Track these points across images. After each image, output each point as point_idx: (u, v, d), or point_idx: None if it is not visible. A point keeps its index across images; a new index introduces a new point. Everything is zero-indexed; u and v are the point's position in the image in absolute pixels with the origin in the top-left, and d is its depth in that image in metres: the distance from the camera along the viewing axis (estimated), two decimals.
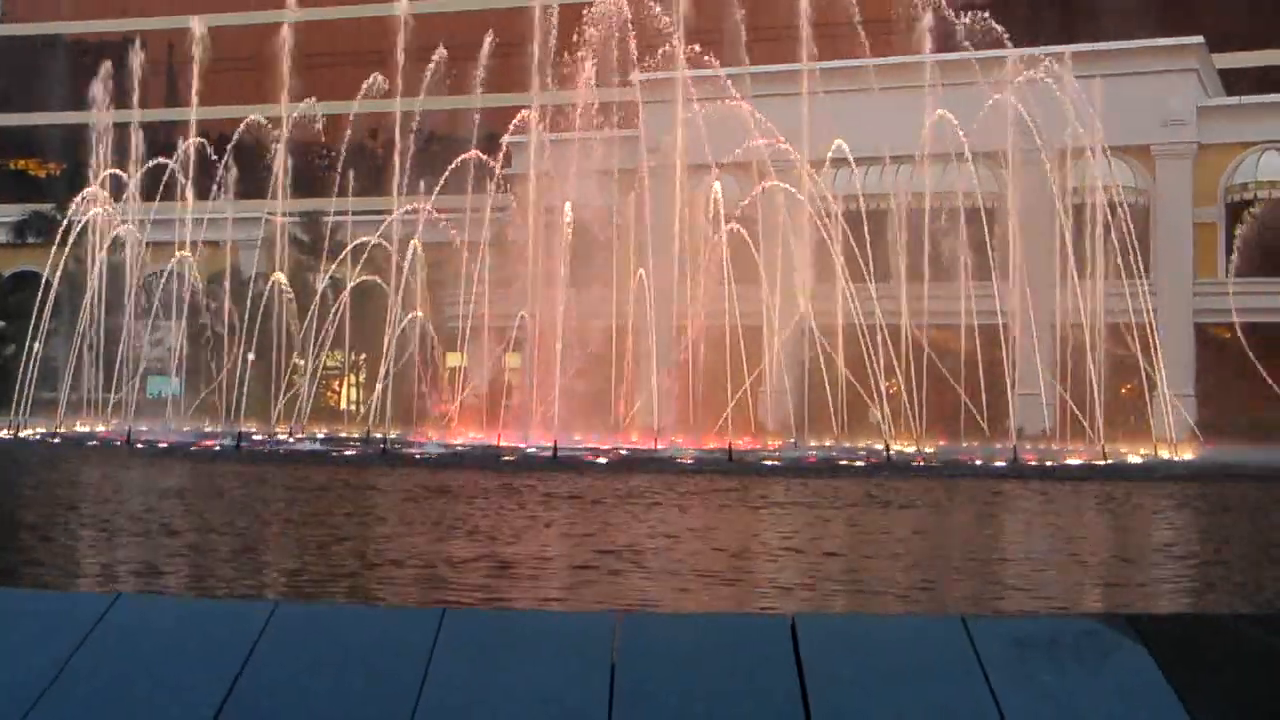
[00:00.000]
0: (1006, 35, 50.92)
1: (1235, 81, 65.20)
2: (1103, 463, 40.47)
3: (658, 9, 49.45)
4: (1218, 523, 24.57)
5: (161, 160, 53.72)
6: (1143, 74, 56.71)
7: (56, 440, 46.60)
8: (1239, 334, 52.75)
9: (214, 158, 53.94)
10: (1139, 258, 49.46)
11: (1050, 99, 48.51)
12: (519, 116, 51.50)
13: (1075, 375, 48.22)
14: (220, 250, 59.16)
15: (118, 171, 56.17)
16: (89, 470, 33.31)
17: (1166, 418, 48.39)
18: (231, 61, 66.81)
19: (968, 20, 51.48)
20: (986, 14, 52.10)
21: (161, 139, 59.15)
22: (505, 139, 53.85)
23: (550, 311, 47.09)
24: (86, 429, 51.84)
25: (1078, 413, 46.78)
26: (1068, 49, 51.25)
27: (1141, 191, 57.91)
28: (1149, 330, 49.08)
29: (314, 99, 54.07)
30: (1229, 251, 59.31)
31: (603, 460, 38.10)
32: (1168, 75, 58.30)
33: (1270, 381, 49.84)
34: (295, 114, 53.89)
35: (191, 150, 53.86)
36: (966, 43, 50.91)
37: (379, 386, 49.35)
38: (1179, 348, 54.96)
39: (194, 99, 55.11)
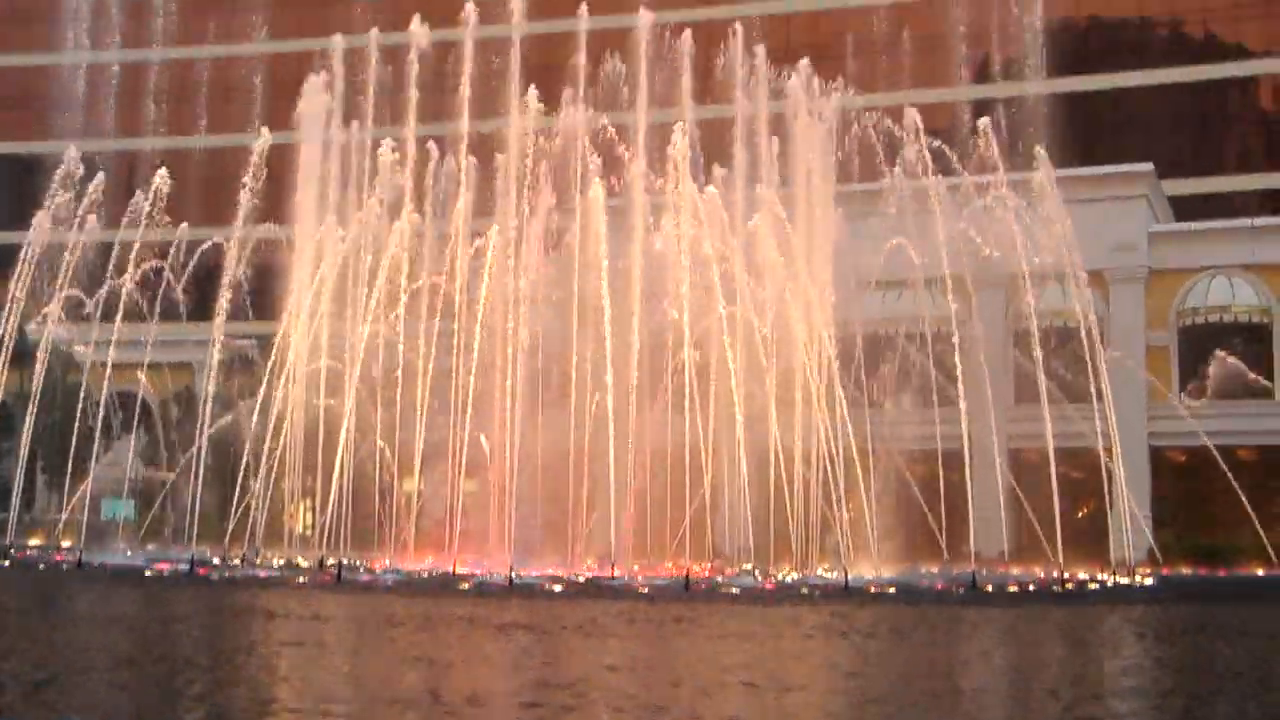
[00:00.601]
0: (957, 162, 51.58)
1: (1184, 207, 66.34)
2: (1059, 589, 40.31)
3: (615, 135, 49.89)
4: (1176, 651, 24.40)
5: (117, 281, 53.44)
6: (1095, 201, 57.54)
7: (5, 564, 45.83)
8: (1195, 457, 52.99)
9: (169, 279, 53.64)
10: (1094, 381, 49.74)
11: (1003, 225, 49.01)
12: (479, 241, 51.56)
13: (1032, 498, 48.17)
14: (176, 371, 58.79)
15: (75, 292, 55.84)
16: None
17: (1126, 540, 48.34)
18: (192, 182, 66.93)
19: (919, 148, 52.08)
20: (938, 142, 52.82)
21: (119, 258, 58.86)
22: (461, 262, 53.84)
23: (507, 436, 46.84)
24: (36, 551, 51.03)
25: (1037, 534, 46.69)
26: (1019, 175, 51.90)
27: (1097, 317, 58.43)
28: (1105, 454, 49.20)
29: (272, 223, 54.05)
30: (1182, 375, 59.85)
31: (559, 588, 37.71)
32: (1119, 202, 59.23)
33: (1245, 504, 49.98)
34: (254, 238, 53.81)
35: (170, 269, 53.45)
36: (919, 169, 51.48)
37: (331, 511, 48.80)
38: (1135, 471, 55.09)
39: (141, 221, 54.95)
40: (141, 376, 53.28)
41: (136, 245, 53.49)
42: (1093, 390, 48.49)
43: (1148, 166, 60.15)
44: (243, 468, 49.65)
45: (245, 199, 51.41)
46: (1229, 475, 47.61)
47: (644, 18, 49.78)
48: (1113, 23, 75.31)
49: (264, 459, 49.49)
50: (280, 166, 52.41)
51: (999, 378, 49.88)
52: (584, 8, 51.00)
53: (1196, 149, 74.12)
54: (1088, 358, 48.99)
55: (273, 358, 50.21)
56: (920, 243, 48.35)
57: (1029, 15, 64.12)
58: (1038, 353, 47.27)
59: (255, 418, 49.46)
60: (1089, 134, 69.33)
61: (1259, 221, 62.75)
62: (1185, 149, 73.13)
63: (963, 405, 47.00)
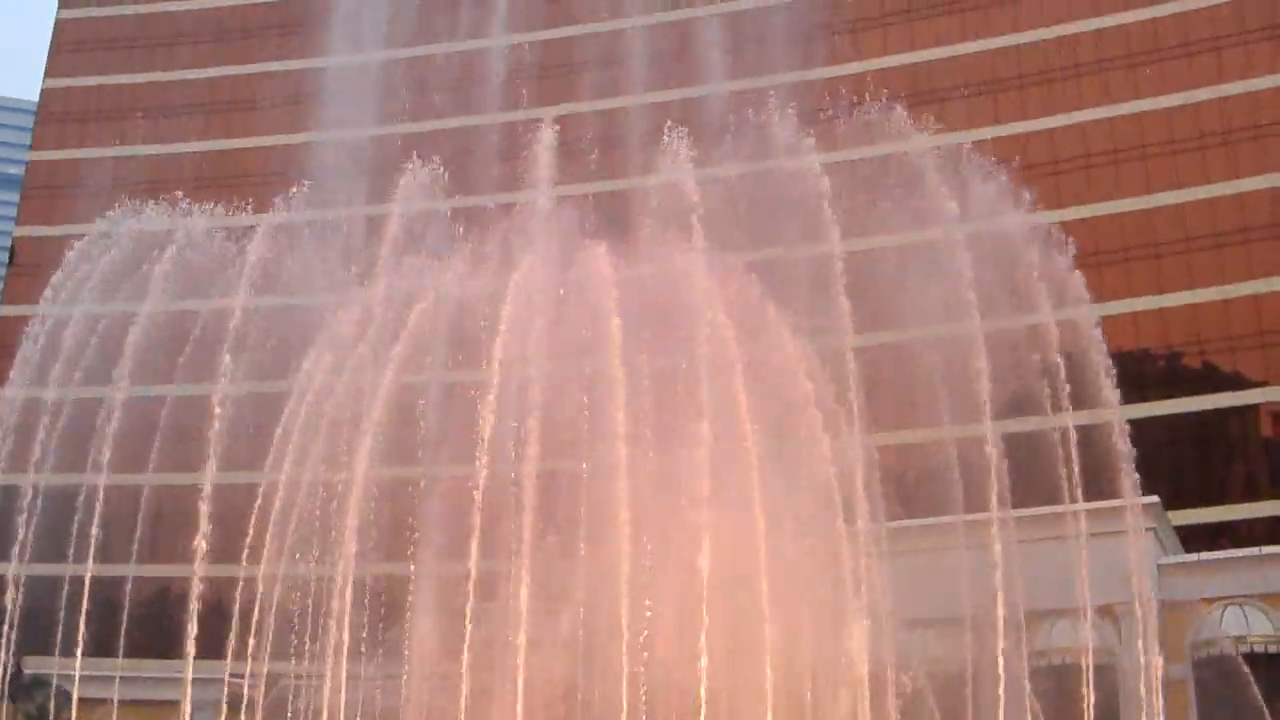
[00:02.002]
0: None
1: (1191, 537, 66.30)
2: None
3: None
4: None
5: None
6: (1102, 534, 57.45)
7: None
8: None
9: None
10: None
11: (1013, 564, 48.85)
12: None
13: None
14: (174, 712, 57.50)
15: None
16: None
17: None
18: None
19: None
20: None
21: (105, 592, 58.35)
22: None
23: None
24: None
25: None
26: (1025, 512, 51.96)
27: (1109, 651, 57.68)
28: None
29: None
30: (1201, 709, 58.71)
31: None
32: (1127, 534, 59.14)
33: None
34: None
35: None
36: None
37: None
38: None
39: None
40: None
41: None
42: None
43: (1154, 499, 60.31)
44: None
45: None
46: None
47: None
48: (1112, 355, 76.76)
49: None
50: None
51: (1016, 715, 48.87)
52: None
53: (1201, 479, 74.61)
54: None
55: None
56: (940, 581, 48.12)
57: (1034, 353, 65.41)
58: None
59: None
60: (1091, 467, 69.73)
61: (1268, 550, 62.63)
62: (1189, 479, 73.59)
63: None
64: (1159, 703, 57.26)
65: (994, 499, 48.65)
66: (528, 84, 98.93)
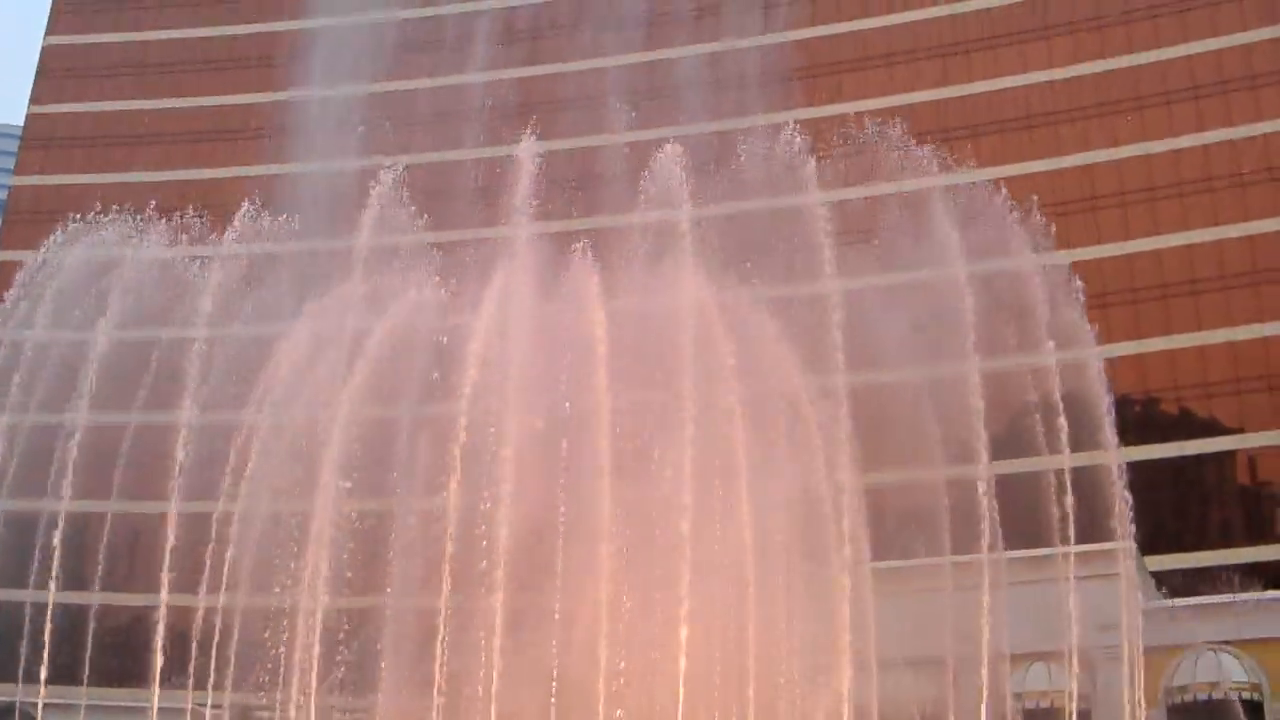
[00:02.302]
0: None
1: (1166, 583, 66.24)
2: None
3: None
4: None
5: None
6: (1076, 579, 57.31)
7: None
8: None
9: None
10: None
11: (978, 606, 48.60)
12: None
13: None
14: None
15: None
16: None
17: None
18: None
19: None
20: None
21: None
22: None
23: None
24: None
25: None
26: (1003, 555, 51.77)
27: (1084, 697, 57.45)
28: None
29: None
30: None
31: None
32: (1101, 580, 59.00)
33: None
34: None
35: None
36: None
37: None
38: None
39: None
40: None
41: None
42: None
43: (1130, 544, 60.20)
44: None
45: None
46: None
47: None
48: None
49: None
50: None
51: None
52: None
53: (1177, 524, 74.65)
54: None
55: None
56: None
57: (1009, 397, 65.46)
58: None
59: None
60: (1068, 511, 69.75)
61: (1243, 597, 62.59)
62: (1165, 525, 73.59)
63: None
64: None
65: (984, 540, 48.58)
66: (506, 121, 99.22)
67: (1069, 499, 50.32)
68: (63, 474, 49.68)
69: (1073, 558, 54.55)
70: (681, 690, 41.10)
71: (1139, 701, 54.49)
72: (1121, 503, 51.13)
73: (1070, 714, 49.27)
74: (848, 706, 44.56)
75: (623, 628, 41.84)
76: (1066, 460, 50.45)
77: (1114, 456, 51.58)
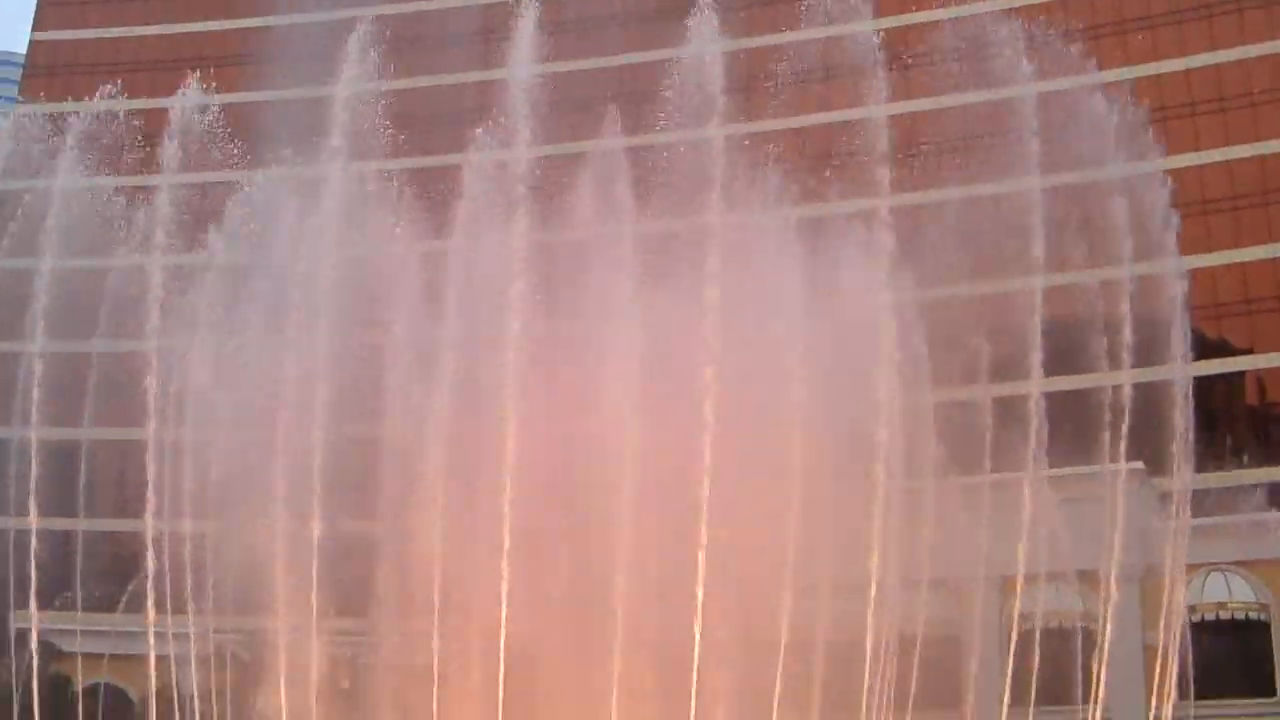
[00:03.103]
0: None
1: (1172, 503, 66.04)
2: None
3: None
4: None
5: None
6: (1085, 500, 57.38)
7: None
8: None
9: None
10: (1096, 683, 48.95)
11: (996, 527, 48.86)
12: None
13: None
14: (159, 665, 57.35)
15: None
16: None
17: None
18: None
19: None
20: None
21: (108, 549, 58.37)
22: None
23: None
24: None
25: None
26: (1014, 474, 51.85)
27: (1091, 617, 57.71)
28: None
29: None
30: (1181, 673, 58.80)
31: None
32: (1111, 499, 59.08)
33: None
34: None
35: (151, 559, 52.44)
36: None
37: None
38: None
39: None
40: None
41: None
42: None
43: (1138, 464, 60.21)
44: None
45: None
46: None
47: None
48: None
49: None
50: None
51: (994, 681, 48.97)
52: None
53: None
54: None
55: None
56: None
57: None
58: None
59: None
60: (1078, 431, 69.63)
61: (1252, 517, 62.66)
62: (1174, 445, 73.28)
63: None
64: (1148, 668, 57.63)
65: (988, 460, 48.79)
66: None
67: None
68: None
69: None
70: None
71: (1171, 620, 54.73)
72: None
73: (1075, 632, 49.52)
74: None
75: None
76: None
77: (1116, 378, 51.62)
